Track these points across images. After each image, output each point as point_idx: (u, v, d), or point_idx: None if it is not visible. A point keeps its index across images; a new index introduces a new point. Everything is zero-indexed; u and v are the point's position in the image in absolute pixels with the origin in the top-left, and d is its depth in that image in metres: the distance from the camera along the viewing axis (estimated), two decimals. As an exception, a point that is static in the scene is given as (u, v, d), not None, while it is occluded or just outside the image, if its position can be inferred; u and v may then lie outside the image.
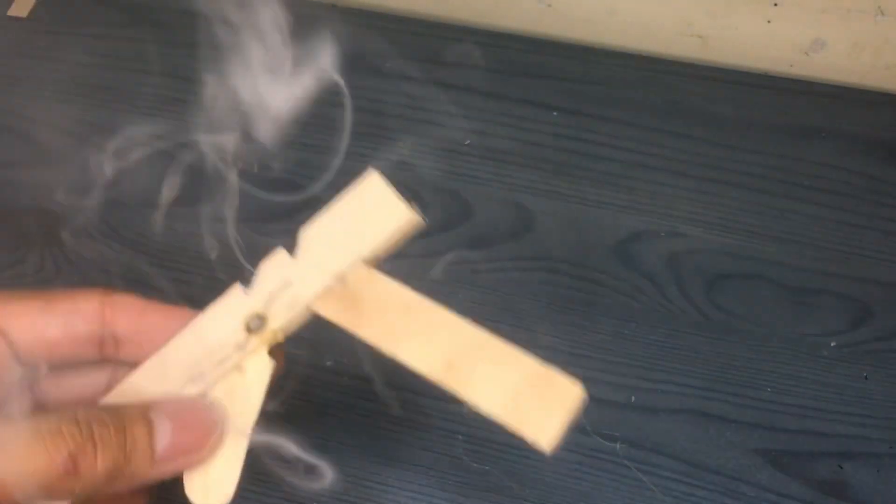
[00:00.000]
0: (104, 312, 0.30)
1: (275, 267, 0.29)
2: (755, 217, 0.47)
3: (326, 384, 0.42)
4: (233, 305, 0.29)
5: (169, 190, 0.48)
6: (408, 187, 0.48)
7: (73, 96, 0.51)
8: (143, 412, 0.27)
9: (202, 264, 0.46)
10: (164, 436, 0.27)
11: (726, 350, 0.43)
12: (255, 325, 0.28)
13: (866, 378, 0.42)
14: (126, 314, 0.30)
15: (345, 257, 0.28)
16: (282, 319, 0.28)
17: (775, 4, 0.51)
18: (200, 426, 0.28)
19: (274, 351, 0.29)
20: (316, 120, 0.51)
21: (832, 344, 0.43)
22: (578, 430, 0.41)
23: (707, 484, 0.40)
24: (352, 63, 0.54)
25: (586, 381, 0.43)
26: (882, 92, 0.52)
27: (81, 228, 0.47)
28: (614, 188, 0.48)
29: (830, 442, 0.40)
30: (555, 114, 0.50)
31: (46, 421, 0.25)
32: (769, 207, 0.47)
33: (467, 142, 0.50)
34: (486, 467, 0.40)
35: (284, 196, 0.48)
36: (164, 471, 0.28)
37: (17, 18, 0.55)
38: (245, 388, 0.29)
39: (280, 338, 0.29)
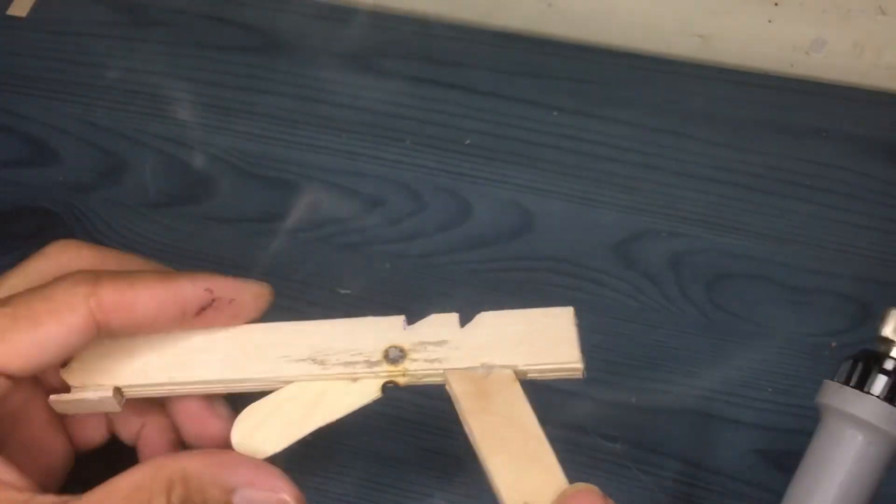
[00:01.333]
0: (94, 314, 0.29)
1: (442, 324, 0.30)
2: (755, 217, 0.47)
3: (326, 384, 0.42)
4: (389, 329, 0.30)
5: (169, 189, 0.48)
6: (408, 187, 0.48)
7: (74, 96, 0.51)
8: (226, 496, 0.27)
9: (202, 264, 0.46)
10: None
11: (726, 350, 0.43)
12: (394, 355, 0.30)
13: (866, 378, 0.42)
14: (116, 307, 0.29)
15: (503, 356, 0.29)
16: (417, 367, 0.30)
17: (776, 4, 0.51)
18: None
19: (385, 388, 0.30)
20: (316, 120, 0.51)
21: (832, 344, 0.43)
22: (578, 430, 0.41)
23: (707, 484, 0.39)
24: (352, 63, 0.54)
25: (586, 381, 0.43)
26: (882, 92, 0.52)
27: (81, 228, 0.47)
28: (614, 188, 0.48)
29: (830, 442, 0.40)
30: (555, 114, 0.50)
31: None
32: (769, 207, 0.47)
33: (467, 142, 0.50)
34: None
35: (283, 196, 0.48)
36: None
37: (16, 18, 0.55)
38: (345, 394, 0.30)
39: (401, 382, 0.30)
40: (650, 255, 0.46)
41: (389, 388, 0.30)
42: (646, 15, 0.53)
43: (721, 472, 0.40)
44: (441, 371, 0.29)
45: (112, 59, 0.53)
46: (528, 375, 0.30)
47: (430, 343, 0.30)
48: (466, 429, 0.29)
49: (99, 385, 0.30)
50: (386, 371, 0.29)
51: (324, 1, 0.56)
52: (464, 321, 0.30)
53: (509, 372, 0.29)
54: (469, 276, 0.45)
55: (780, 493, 0.39)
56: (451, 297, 0.44)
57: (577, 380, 0.42)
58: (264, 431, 0.30)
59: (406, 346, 0.30)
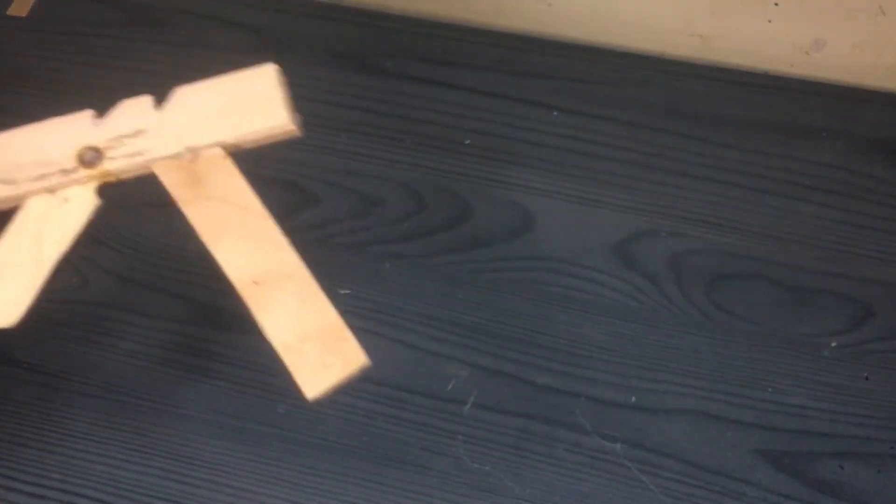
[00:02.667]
0: None
1: (135, 111, 0.27)
2: (755, 217, 0.47)
3: (326, 384, 0.42)
4: (74, 129, 0.27)
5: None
6: (408, 187, 0.48)
7: (74, 96, 0.51)
8: None
9: (202, 264, 0.46)
10: None
11: (726, 350, 0.43)
12: (90, 157, 0.27)
13: (866, 378, 0.42)
14: None
15: (207, 134, 0.27)
16: (118, 166, 0.27)
17: (776, 4, 0.51)
18: None
19: (102, 190, 0.27)
20: (316, 120, 0.51)
21: (832, 344, 0.43)
22: (578, 430, 0.41)
23: (707, 484, 0.39)
24: (352, 63, 0.54)
25: (587, 380, 0.43)
26: (882, 92, 0.52)
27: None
28: (614, 188, 0.48)
29: (830, 442, 0.40)
30: (555, 114, 0.50)
31: None
32: (769, 207, 0.47)
33: (467, 142, 0.50)
34: (486, 467, 0.40)
35: (283, 196, 0.48)
36: None
37: (16, 18, 0.55)
38: (63, 216, 0.27)
39: (112, 180, 0.27)
40: (650, 255, 0.46)
41: (105, 190, 0.27)
42: (646, 15, 0.53)
43: (721, 472, 0.40)
44: (146, 163, 0.27)
45: (112, 59, 0.53)
46: (243, 147, 0.27)
47: (126, 136, 0.27)
48: (188, 221, 0.27)
49: None
50: (85, 176, 0.27)
51: (324, 1, 0.56)
52: (160, 102, 0.27)
53: (218, 150, 0.27)
54: (469, 276, 0.45)
55: (780, 492, 0.39)
56: (452, 297, 0.44)
57: (578, 380, 0.42)
58: (5, 296, 0.27)
59: (101, 144, 0.27)
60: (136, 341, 0.43)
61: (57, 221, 0.27)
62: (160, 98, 0.27)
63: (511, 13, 0.56)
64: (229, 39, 0.54)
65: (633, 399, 0.42)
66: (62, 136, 0.27)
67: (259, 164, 0.49)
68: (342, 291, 0.44)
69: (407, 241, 0.46)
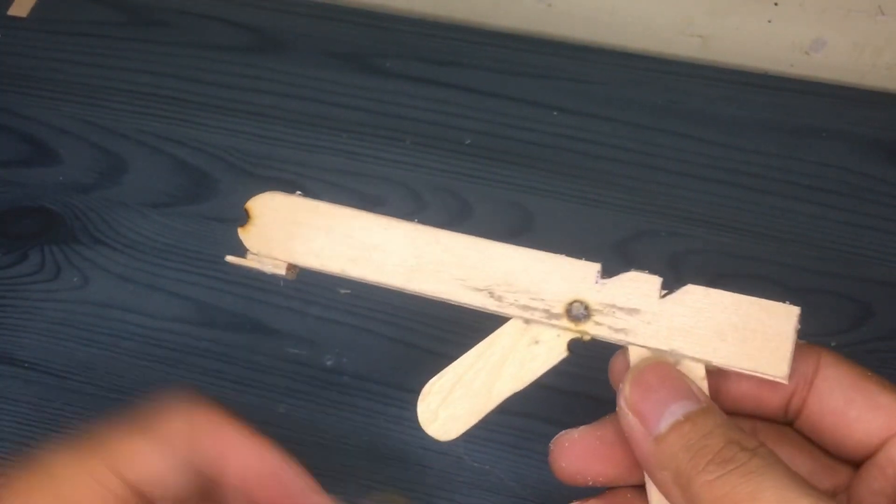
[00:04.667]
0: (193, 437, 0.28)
1: (640, 287, 0.26)
2: (755, 217, 0.47)
3: (326, 384, 0.42)
4: (577, 277, 0.26)
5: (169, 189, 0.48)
6: (408, 187, 0.48)
7: (74, 96, 0.51)
8: None
9: (202, 264, 0.46)
10: None
11: (726, 350, 0.43)
12: (578, 313, 0.26)
13: (866, 378, 0.42)
14: (211, 439, 0.28)
15: (698, 347, 0.25)
16: (599, 332, 0.26)
17: (776, 4, 0.51)
18: None
19: (572, 346, 0.27)
20: (316, 120, 0.51)
21: (832, 344, 0.43)
22: (578, 430, 0.41)
23: (707, 484, 0.39)
24: (352, 63, 0.54)
25: (588, 380, 0.43)
26: (882, 92, 0.52)
27: (81, 228, 0.47)
28: (614, 188, 0.48)
29: (830, 442, 0.40)
30: (555, 114, 0.50)
31: None
32: (769, 207, 0.47)
33: (467, 142, 0.50)
34: (487, 467, 0.40)
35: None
36: None
37: (17, 18, 0.55)
38: (529, 356, 0.27)
39: (586, 339, 0.27)
40: (650, 255, 0.46)
41: (575, 346, 0.27)
42: (646, 15, 0.53)
43: (721, 471, 0.40)
44: (627, 343, 0.26)
45: (112, 59, 0.53)
46: (725, 372, 0.26)
47: (620, 308, 0.26)
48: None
49: (274, 259, 0.28)
50: (565, 327, 0.26)
51: (324, 1, 0.56)
52: (667, 287, 0.26)
53: (700, 367, 0.25)
54: (469, 276, 0.45)
55: (780, 492, 0.39)
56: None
57: (579, 379, 0.42)
58: (450, 409, 0.27)
59: (594, 304, 0.26)
60: (136, 341, 0.43)
61: (521, 358, 0.27)
62: (669, 285, 0.26)
63: (511, 13, 0.56)
64: (229, 39, 0.54)
65: (633, 399, 0.41)
66: (564, 279, 0.27)
67: (259, 164, 0.49)
68: (342, 291, 0.44)
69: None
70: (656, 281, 0.26)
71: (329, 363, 0.42)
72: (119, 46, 0.53)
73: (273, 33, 0.54)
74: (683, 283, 0.26)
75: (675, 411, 0.24)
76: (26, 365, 0.43)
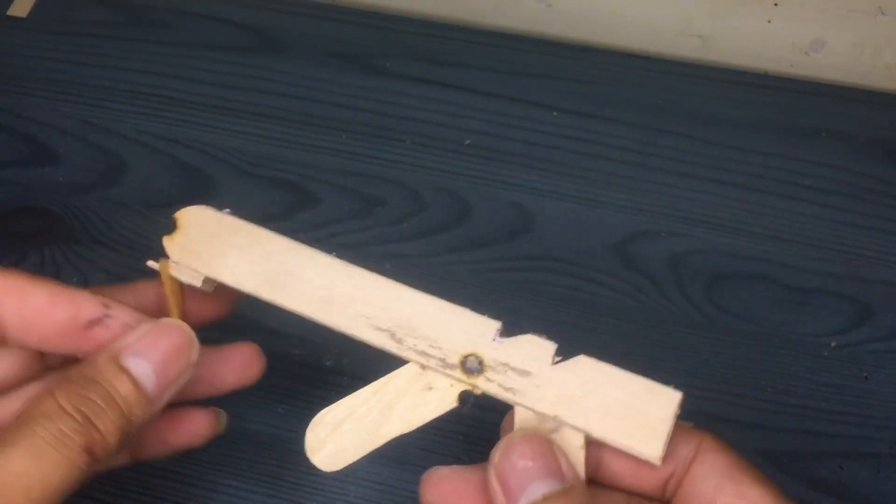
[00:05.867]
0: None
1: (534, 351, 0.27)
2: (755, 217, 0.47)
3: (326, 384, 0.42)
4: (477, 332, 0.27)
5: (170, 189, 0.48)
6: (408, 187, 0.48)
7: (74, 96, 0.51)
8: (117, 366, 0.27)
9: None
10: (148, 379, 0.27)
11: (726, 350, 0.43)
12: (471, 366, 0.27)
13: (866, 378, 0.42)
14: (10, 296, 0.29)
15: (581, 417, 0.26)
16: (489, 388, 0.27)
17: (776, 4, 0.51)
18: (175, 351, 0.28)
19: (463, 398, 0.28)
20: (316, 120, 0.51)
21: (832, 344, 0.43)
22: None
23: (707, 484, 0.39)
24: (352, 63, 0.54)
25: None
26: (882, 92, 0.52)
27: (81, 228, 0.47)
28: (614, 188, 0.48)
29: (830, 442, 0.40)
30: (555, 114, 0.50)
31: (42, 428, 0.25)
32: (769, 207, 0.47)
33: (467, 142, 0.50)
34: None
35: (283, 196, 0.48)
36: (163, 401, 0.28)
37: (17, 18, 0.55)
38: (420, 401, 0.28)
39: (477, 393, 0.27)
40: (650, 255, 0.46)
41: (466, 397, 0.28)
42: (646, 15, 0.53)
43: (721, 472, 0.40)
44: (514, 403, 0.27)
45: (112, 59, 0.53)
46: (603, 445, 0.27)
47: (513, 369, 0.27)
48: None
49: (193, 270, 0.30)
50: (458, 378, 0.27)
51: (324, 1, 0.56)
52: (561, 354, 0.27)
53: (580, 436, 0.26)
54: (469, 276, 0.45)
55: (780, 493, 0.39)
56: (452, 297, 0.44)
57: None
58: (338, 441, 0.28)
59: (488, 360, 0.27)
60: (136, 341, 0.43)
61: (412, 403, 0.28)
62: (563, 353, 0.27)
63: (511, 13, 0.56)
64: (229, 39, 0.54)
65: (633, 399, 0.41)
66: (464, 331, 0.27)
67: (259, 164, 0.49)
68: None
69: (407, 241, 0.46)
70: (551, 347, 0.27)
71: (329, 363, 0.42)
72: (119, 46, 0.53)
73: (273, 33, 0.54)
74: (577, 353, 0.27)
75: (536, 490, 0.25)
76: (26, 365, 0.43)
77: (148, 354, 0.28)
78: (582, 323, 0.44)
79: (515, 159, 0.49)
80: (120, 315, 0.30)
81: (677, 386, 0.26)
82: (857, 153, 0.49)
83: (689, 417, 0.41)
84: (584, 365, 0.27)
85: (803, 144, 0.49)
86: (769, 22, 0.52)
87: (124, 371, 0.27)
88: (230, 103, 0.51)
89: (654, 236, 0.46)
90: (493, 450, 0.26)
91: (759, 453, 0.40)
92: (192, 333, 0.29)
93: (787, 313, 0.44)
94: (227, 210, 0.30)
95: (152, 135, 0.50)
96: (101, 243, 0.46)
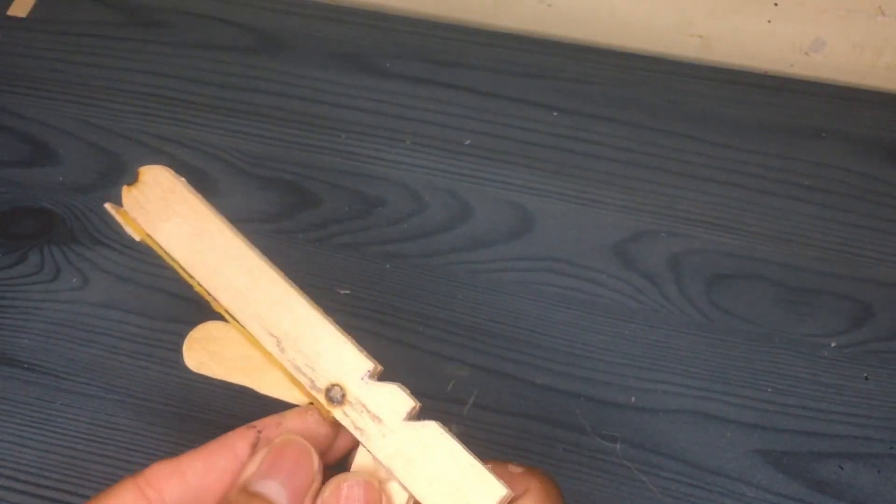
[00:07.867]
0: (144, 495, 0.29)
1: (396, 401, 0.28)
2: (755, 217, 0.47)
3: (326, 384, 0.42)
4: (353, 369, 0.28)
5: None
6: (408, 187, 0.48)
7: (74, 96, 0.51)
8: (249, 494, 0.27)
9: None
10: (279, 495, 0.27)
11: (726, 350, 0.43)
12: (334, 396, 0.28)
13: (866, 378, 0.42)
14: (167, 482, 0.29)
15: (414, 480, 0.28)
16: (343, 421, 0.28)
17: (775, 4, 0.51)
18: (297, 464, 0.28)
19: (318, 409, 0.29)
20: (316, 120, 0.51)
21: (832, 344, 0.43)
22: (578, 431, 0.41)
23: (707, 484, 0.39)
24: (352, 63, 0.54)
25: (586, 381, 0.43)
26: (882, 92, 0.52)
27: (81, 228, 0.47)
28: (614, 188, 0.48)
29: (831, 442, 0.40)
30: (555, 114, 0.50)
31: None
32: (769, 207, 0.47)
33: (467, 142, 0.50)
34: (487, 467, 0.40)
35: (283, 196, 0.48)
36: None
37: (17, 18, 0.55)
38: (283, 383, 0.29)
39: (327, 417, 0.29)
40: (649, 255, 0.46)
41: (313, 409, 0.29)
42: (646, 15, 0.54)
43: (721, 472, 0.40)
44: (360, 445, 0.28)
45: (112, 59, 0.53)
46: None
47: (368, 411, 0.28)
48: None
49: (136, 224, 0.31)
50: (319, 400, 0.29)
51: (324, 1, 0.56)
52: (415, 416, 0.29)
53: (405, 495, 0.28)
54: (469, 276, 0.45)
55: (780, 493, 0.39)
56: (452, 297, 0.44)
57: (577, 380, 0.42)
58: (211, 350, 0.30)
59: (350, 396, 0.28)
60: (136, 341, 0.43)
61: (281, 379, 0.29)
62: (417, 413, 0.28)
63: (511, 13, 0.56)
64: (229, 39, 0.54)
65: (633, 399, 0.42)
66: (340, 362, 0.29)
67: (259, 164, 0.49)
68: (342, 291, 0.44)
69: (407, 241, 0.46)
70: (409, 403, 0.28)
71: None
72: (119, 46, 0.53)
73: (273, 33, 0.54)
74: (433, 419, 0.28)
75: None
76: (26, 365, 0.43)
77: (274, 474, 0.28)
78: (582, 323, 0.44)
79: (515, 159, 0.49)
80: (266, 423, 0.30)
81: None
82: (857, 153, 0.49)
83: (690, 417, 0.41)
84: (431, 431, 0.28)
85: (803, 144, 0.49)
86: (769, 22, 0.52)
87: (256, 496, 0.27)
88: (230, 103, 0.51)
89: (653, 236, 0.46)
90: (326, 484, 0.27)
91: (759, 453, 0.40)
92: (307, 444, 0.29)
93: (787, 313, 0.44)
94: (184, 180, 0.31)
95: (152, 135, 0.50)
96: (101, 244, 0.46)
